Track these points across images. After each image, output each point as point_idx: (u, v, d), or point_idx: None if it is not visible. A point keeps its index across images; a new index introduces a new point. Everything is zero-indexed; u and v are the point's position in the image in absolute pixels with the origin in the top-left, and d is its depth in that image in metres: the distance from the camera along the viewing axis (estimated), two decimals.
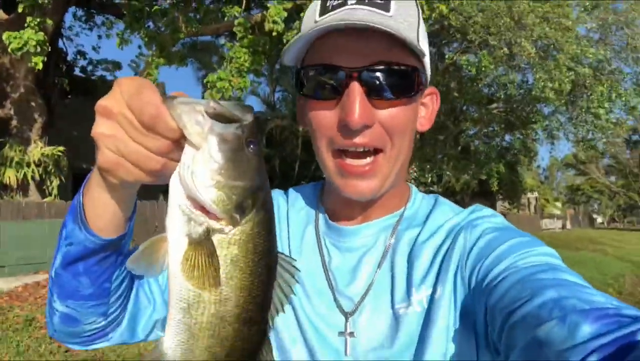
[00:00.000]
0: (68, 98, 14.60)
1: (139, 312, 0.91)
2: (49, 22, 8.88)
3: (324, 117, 0.83)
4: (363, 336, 0.85)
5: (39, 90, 11.66)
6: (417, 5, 0.88)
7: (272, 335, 0.92)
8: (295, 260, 0.67)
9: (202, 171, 0.55)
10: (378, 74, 0.79)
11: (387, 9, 0.81)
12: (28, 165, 11.00)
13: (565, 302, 0.58)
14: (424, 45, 0.85)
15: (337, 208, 0.96)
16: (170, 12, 9.70)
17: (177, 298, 0.59)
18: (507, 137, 21.73)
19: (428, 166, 20.50)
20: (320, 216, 0.99)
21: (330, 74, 0.80)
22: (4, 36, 7.99)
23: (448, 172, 21.24)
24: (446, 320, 0.80)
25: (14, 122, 11.49)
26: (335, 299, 0.89)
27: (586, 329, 0.52)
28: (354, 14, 0.79)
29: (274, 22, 9.11)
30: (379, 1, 0.81)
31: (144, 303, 0.91)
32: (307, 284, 0.92)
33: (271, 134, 16.93)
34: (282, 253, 0.66)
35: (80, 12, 14.80)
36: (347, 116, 0.78)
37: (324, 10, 0.84)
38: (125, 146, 0.59)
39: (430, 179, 21.71)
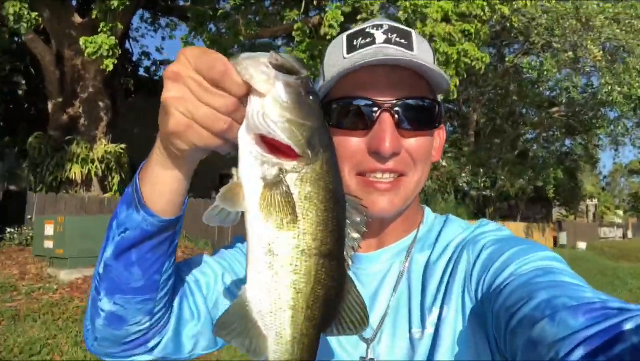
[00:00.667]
0: (132, 97, 15.27)
1: (183, 323, 0.91)
2: (120, 25, 9.34)
3: (352, 145, 0.88)
4: (383, 359, 0.89)
5: (106, 90, 12.27)
6: (430, 45, 0.97)
7: None
8: (361, 199, 0.69)
9: (273, 111, 0.59)
10: (407, 107, 0.87)
11: (411, 49, 0.89)
12: (92, 162, 11.58)
13: (556, 301, 0.61)
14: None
15: None
16: (232, 16, 9.94)
17: (257, 240, 0.62)
18: (567, 142, 20.84)
19: (482, 170, 19.98)
20: None
21: (363, 106, 0.87)
22: (81, 41, 8.48)
23: (503, 177, 20.61)
24: (457, 336, 0.83)
25: (82, 121, 12.14)
26: None
27: (574, 323, 0.56)
28: (384, 51, 0.86)
29: (330, 25, 9.16)
30: (403, 41, 0.90)
31: (187, 315, 0.91)
32: None
33: None
34: (349, 194, 0.68)
35: (146, 15, 15.45)
36: (379, 144, 0.84)
37: (351, 48, 0.90)
38: (194, 106, 0.62)
39: (483, 183, 21.15)
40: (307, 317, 0.64)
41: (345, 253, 0.67)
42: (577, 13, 12.27)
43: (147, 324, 0.86)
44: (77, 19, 11.53)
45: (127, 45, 14.48)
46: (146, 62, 16.44)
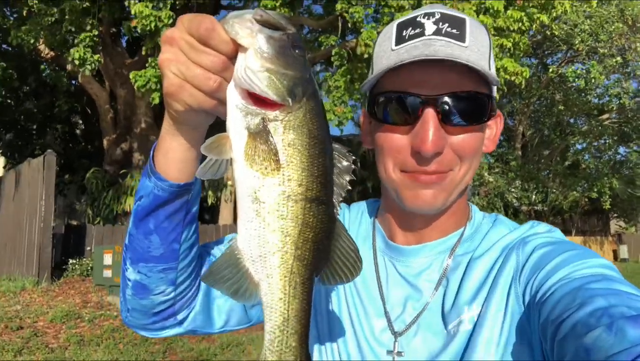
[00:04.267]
0: None
1: (212, 298, 0.94)
2: None
3: (396, 141, 0.86)
4: (411, 355, 0.87)
5: (157, 124, 12.86)
6: (487, 31, 0.90)
7: (326, 339, 0.96)
8: (350, 150, 0.69)
9: (254, 62, 0.60)
10: (452, 102, 0.82)
11: (463, 40, 0.83)
12: None
13: (614, 310, 0.58)
14: (493, 71, 0.88)
15: (395, 228, 0.97)
16: None
17: (244, 189, 0.63)
18: (622, 150, 19.95)
19: (532, 185, 19.37)
20: (378, 234, 1.01)
21: (407, 101, 0.83)
22: (131, 75, 8.99)
23: (554, 190, 19.88)
24: (495, 336, 0.80)
25: (135, 155, 12.75)
26: (387, 318, 0.91)
27: (633, 334, 0.53)
28: (432, 45, 0.82)
29: (366, 45, 9.30)
30: (455, 32, 0.83)
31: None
32: (363, 299, 0.95)
33: (364, 156, 17.08)
34: (337, 144, 0.68)
35: None
36: (421, 143, 0.81)
37: (399, 40, 0.86)
38: (186, 67, 0.64)
39: (534, 198, 20.47)
40: (298, 257, 0.65)
41: (334, 198, 0.67)
42: (622, 16, 11.92)
43: (172, 294, 0.88)
44: (128, 59, 12.24)
45: None
46: None
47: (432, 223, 0.93)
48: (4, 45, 13.77)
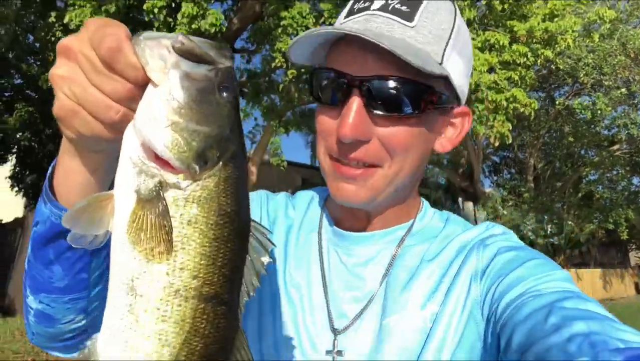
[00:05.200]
0: None
1: None
2: None
3: (325, 122, 0.80)
4: (352, 354, 0.81)
5: None
6: (454, 11, 0.82)
7: (257, 338, 0.87)
8: (271, 232, 0.58)
9: (158, 110, 0.48)
10: (381, 86, 0.73)
11: (411, 19, 0.75)
12: None
13: (596, 337, 0.55)
14: (455, 59, 0.79)
15: (341, 215, 0.92)
16: (286, 87, 10.72)
17: (118, 273, 0.49)
18: (636, 180, 19.90)
19: (546, 217, 19.30)
20: (325, 221, 0.95)
21: (335, 80, 0.77)
22: None
23: (570, 222, 19.77)
24: (449, 338, 0.77)
25: None
26: (329, 316, 0.85)
27: None
28: (370, 22, 0.76)
29: None
30: (404, 9, 0.76)
31: None
32: (304, 296, 0.88)
33: None
34: (256, 222, 0.56)
35: None
36: (340, 127, 0.75)
37: (349, 12, 0.80)
38: (82, 90, 0.52)
39: (550, 230, 20.36)
40: None
41: (240, 298, 0.54)
42: (624, 49, 12.24)
43: (84, 322, 0.74)
44: None
45: None
46: None
47: (376, 213, 0.88)
48: (28, 91, 14.49)
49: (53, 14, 10.05)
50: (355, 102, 0.74)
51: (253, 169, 11.25)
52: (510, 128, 9.60)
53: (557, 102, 15.37)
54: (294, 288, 0.89)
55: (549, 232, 20.28)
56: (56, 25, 9.83)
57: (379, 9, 0.76)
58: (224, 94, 0.50)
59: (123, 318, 0.49)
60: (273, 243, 0.58)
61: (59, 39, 10.66)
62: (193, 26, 8.52)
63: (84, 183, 0.65)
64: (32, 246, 0.71)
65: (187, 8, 8.43)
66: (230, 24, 9.58)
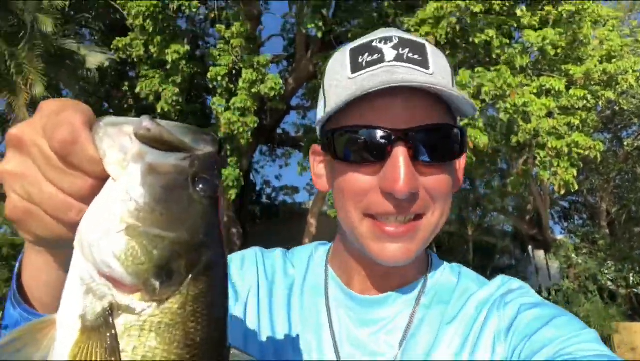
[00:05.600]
0: (257, 223, 16.82)
1: None
2: (245, 161, 10.90)
3: (361, 183, 0.75)
4: None
5: (237, 218, 13.80)
6: (445, 56, 0.82)
7: None
8: (253, 357, 0.48)
9: (109, 212, 0.39)
10: (424, 136, 0.73)
11: (427, 66, 0.75)
12: None
13: None
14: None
15: (353, 274, 0.86)
16: None
17: None
18: None
19: (627, 265, 17.91)
20: (331, 282, 0.88)
21: (372, 137, 0.73)
22: None
23: None
24: None
25: None
26: None
27: None
28: (395, 72, 0.73)
29: None
30: (417, 57, 0.75)
31: None
32: None
33: (439, 240, 16.88)
34: (236, 348, 0.46)
35: (264, 148, 17.55)
36: (393, 183, 0.71)
37: (356, 67, 0.76)
38: (37, 188, 0.45)
39: (632, 279, 18.81)
40: None
41: None
42: None
43: None
44: None
45: (251, 177, 16.39)
46: (268, 190, 18.26)
47: (395, 272, 0.84)
48: None
49: (125, 83, 11.09)
50: (403, 155, 0.72)
51: (312, 220, 11.44)
52: (575, 174, 9.24)
53: (625, 143, 14.63)
54: (304, 352, 0.82)
55: (631, 282, 18.72)
56: (128, 93, 10.82)
57: (394, 59, 0.75)
58: (200, 186, 0.41)
59: None
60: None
61: (130, 106, 11.72)
62: (253, 90, 9.13)
63: (55, 280, 0.55)
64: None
65: (247, 74, 9.07)
66: (286, 84, 10.15)
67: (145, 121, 0.40)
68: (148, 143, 0.40)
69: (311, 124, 11.69)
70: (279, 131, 15.76)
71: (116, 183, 0.40)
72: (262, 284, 0.89)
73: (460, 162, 0.86)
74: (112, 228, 0.38)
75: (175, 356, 0.39)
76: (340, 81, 0.78)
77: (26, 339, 0.41)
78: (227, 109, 9.56)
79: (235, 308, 0.85)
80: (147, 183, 0.39)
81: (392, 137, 0.72)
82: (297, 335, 0.84)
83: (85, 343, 0.38)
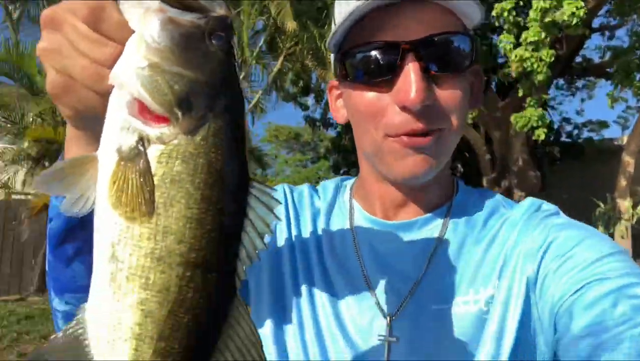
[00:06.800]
0: (556, 164, 15.49)
1: None
2: (544, 96, 10.07)
3: (375, 102, 0.74)
4: (405, 339, 0.75)
5: (533, 160, 13.04)
6: None
7: (297, 330, 0.81)
8: (275, 190, 0.50)
9: (135, 53, 0.44)
10: (436, 45, 0.71)
11: None
12: None
13: None
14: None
15: (377, 203, 0.85)
16: None
17: (100, 239, 0.46)
18: None
19: None
20: (357, 212, 0.88)
21: (381, 52, 0.72)
22: (511, 118, 9.63)
23: None
24: (507, 319, 0.73)
25: (516, 191, 13.16)
26: (376, 303, 0.79)
27: None
28: None
29: None
30: None
31: None
32: (345, 284, 0.82)
33: None
34: (257, 181, 0.49)
35: (560, 82, 15.79)
36: (406, 96, 0.69)
37: None
38: (72, 61, 0.48)
39: None
40: (159, 352, 0.45)
41: (239, 264, 0.48)
42: None
43: None
44: (500, 102, 13.06)
45: (547, 115, 15.07)
46: (568, 128, 16.48)
47: (418, 196, 0.83)
48: None
49: None
50: (414, 67, 0.70)
51: (629, 159, 9.90)
52: None
53: None
54: (332, 275, 0.84)
55: None
56: None
57: None
58: (214, 41, 0.46)
59: (106, 288, 0.45)
60: (279, 201, 0.50)
61: None
62: (547, 20, 8.30)
63: None
64: (49, 245, 0.67)
65: (538, 3, 8.28)
66: (585, 3, 8.81)
67: None
68: (169, 2, 0.45)
69: (621, 45, 9.88)
70: (578, 59, 13.92)
71: (139, 32, 0.45)
72: (291, 215, 0.92)
73: (479, 81, 0.83)
74: (139, 66, 0.44)
75: (199, 179, 0.44)
76: (347, 6, 0.74)
77: (70, 170, 0.46)
78: (516, 45, 8.98)
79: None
80: (167, 29, 0.44)
81: (402, 50, 0.71)
82: (325, 261, 0.86)
83: (123, 171, 0.44)
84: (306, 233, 0.90)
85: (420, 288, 0.78)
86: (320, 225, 0.91)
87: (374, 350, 0.76)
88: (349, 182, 0.97)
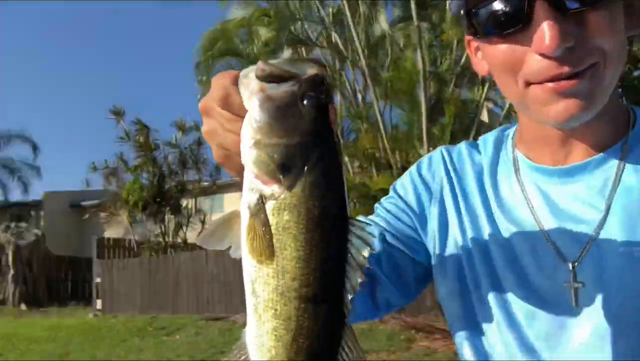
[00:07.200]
0: None
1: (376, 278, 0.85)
2: None
3: (510, 52, 0.71)
4: (591, 283, 0.74)
5: None
6: None
7: (490, 289, 0.82)
8: (370, 224, 0.59)
9: (245, 134, 0.54)
10: None
11: None
12: None
13: None
14: None
15: (541, 150, 0.82)
16: None
17: (245, 276, 0.57)
18: None
19: None
20: (522, 163, 0.85)
21: (506, 1, 0.68)
22: None
23: None
24: None
25: None
26: (556, 251, 0.78)
27: None
28: None
29: None
30: None
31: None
32: (520, 238, 0.81)
33: None
34: (355, 219, 0.57)
35: None
36: (540, 43, 0.65)
37: None
38: (224, 138, 0.59)
39: None
40: None
41: (345, 293, 0.55)
42: None
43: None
44: None
45: None
46: None
47: (586, 136, 0.77)
48: None
49: None
50: (544, 10, 0.65)
51: None
52: None
53: None
54: (505, 232, 0.83)
55: None
56: None
57: None
58: (306, 102, 0.53)
59: (252, 316, 0.56)
60: (373, 235, 0.58)
61: None
62: None
63: None
64: None
65: None
66: None
67: (260, 64, 0.54)
68: (265, 80, 0.53)
69: None
70: None
71: (247, 114, 0.55)
72: (453, 177, 0.91)
73: None
74: (248, 145, 0.54)
75: (302, 225, 0.53)
76: None
77: (222, 226, 0.60)
78: None
79: (431, 208, 0.90)
80: (264, 108, 0.53)
81: None
82: (496, 219, 0.85)
83: (252, 223, 0.54)
84: (472, 192, 0.89)
85: (603, 231, 0.74)
86: (486, 181, 0.88)
87: (561, 296, 0.75)
88: (510, 131, 0.93)
